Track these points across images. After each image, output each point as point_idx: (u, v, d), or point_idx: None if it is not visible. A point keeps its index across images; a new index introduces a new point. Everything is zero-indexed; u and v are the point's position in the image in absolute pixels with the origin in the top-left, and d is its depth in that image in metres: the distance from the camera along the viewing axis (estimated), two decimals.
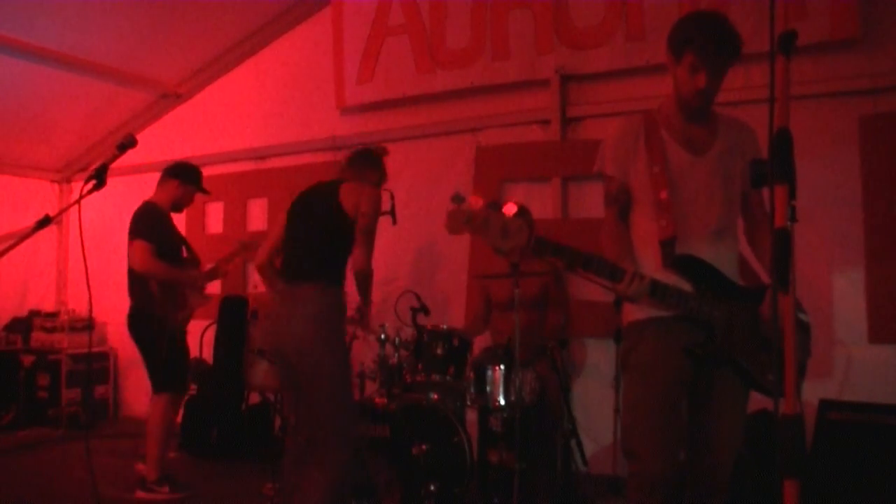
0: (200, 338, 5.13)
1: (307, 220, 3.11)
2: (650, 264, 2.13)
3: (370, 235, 3.08)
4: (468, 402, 3.47)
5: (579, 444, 3.67)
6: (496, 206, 1.89)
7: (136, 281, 3.86)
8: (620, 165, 2.23)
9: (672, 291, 2.05)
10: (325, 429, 2.90)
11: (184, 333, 4.04)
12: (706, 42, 2.03)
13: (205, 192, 4.28)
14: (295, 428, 3.06)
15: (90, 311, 5.29)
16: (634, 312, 2.18)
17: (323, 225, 3.06)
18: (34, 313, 6.17)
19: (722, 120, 2.26)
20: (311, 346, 2.87)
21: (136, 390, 6.22)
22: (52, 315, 6.12)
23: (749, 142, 2.25)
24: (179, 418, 4.97)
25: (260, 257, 3.27)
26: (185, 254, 4.13)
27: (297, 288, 2.94)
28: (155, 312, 3.82)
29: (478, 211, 1.85)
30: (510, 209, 1.90)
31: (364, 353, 4.75)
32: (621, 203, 2.25)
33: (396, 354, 3.64)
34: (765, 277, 2.32)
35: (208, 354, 5.15)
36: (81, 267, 2.69)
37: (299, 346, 2.88)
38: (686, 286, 2.08)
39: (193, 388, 5.12)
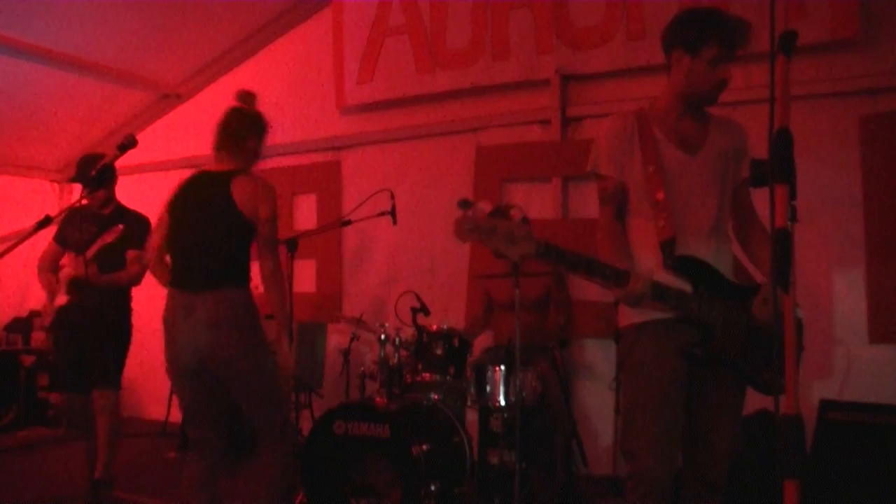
0: None
1: (199, 221, 2.78)
2: (649, 265, 2.12)
3: (274, 242, 2.81)
4: (468, 402, 3.47)
5: (579, 444, 3.67)
6: (502, 212, 1.89)
7: None
8: (616, 165, 2.20)
9: (673, 293, 2.04)
10: (265, 427, 2.84)
11: (56, 335, 3.79)
12: (730, 34, 2.07)
13: (82, 181, 3.74)
14: (206, 438, 2.83)
15: None
16: (630, 316, 2.17)
17: (219, 228, 2.75)
18: (34, 313, 6.17)
19: (712, 118, 2.26)
20: (234, 352, 2.70)
21: (137, 390, 6.23)
22: None
23: (739, 139, 2.26)
24: (179, 418, 4.98)
25: (150, 259, 2.92)
26: (64, 259, 3.84)
27: (202, 296, 2.69)
28: None
29: (484, 219, 1.84)
30: (517, 214, 1.90)
31: (364, 354, 4.76)
32: (617, 203, 2.23)
33: (396, 354, 3.64)
34: (756, 276, 2.32)
35: None
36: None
37: (220, 356, 2.70)
38: (685, 287, 2.08)
39: None
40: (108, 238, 3.55)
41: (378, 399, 3.38)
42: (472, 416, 3.73)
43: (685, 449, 2.19)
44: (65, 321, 3.66)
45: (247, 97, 2.99)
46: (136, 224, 3.83)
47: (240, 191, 2.73)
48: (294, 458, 3.33)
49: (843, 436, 3.20)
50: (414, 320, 3.71)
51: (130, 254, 3.71)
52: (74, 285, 3.64)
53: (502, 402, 3.32)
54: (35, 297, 6.47)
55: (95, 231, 3.66)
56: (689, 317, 2.07)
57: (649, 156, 2.15)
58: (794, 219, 1.26)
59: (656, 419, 2.10)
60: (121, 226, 3.51)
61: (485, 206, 1.87)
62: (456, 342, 3.54)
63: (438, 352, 3.51)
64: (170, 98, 6.08)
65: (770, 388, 2.12)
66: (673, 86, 2.20)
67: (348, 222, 4.24)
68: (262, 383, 2.79)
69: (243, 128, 2.85)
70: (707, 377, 2.14)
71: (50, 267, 3.81)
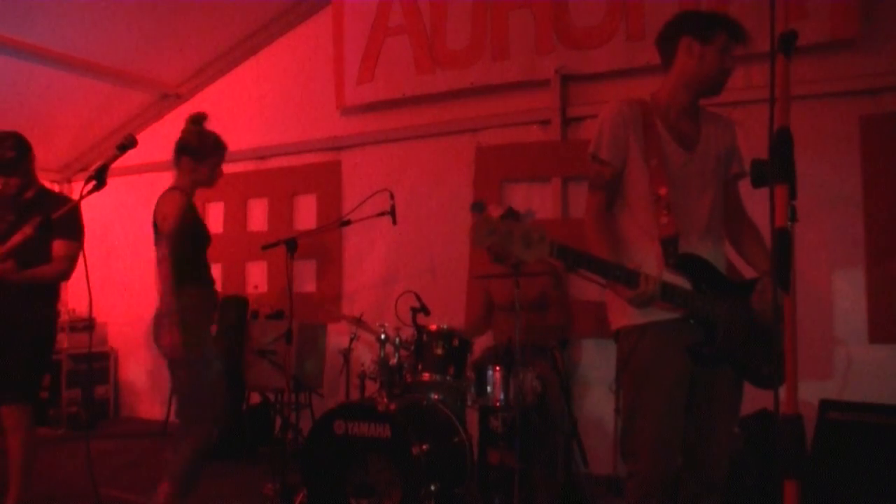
0: None
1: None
2: (649, 262, 2.10)
3: (169, 250, 2.90)
4: (468, 402, 3.47)
5: (579, 444, 3.67)
6: (514, 214, 1.89)
7: None
8: (618, 153, 2.18)
9: (679, 292, 2.04)
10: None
11: None
12: (735, 27, 2.14)
13: None
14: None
15: (90, 311, 5.31)
16: (631, 316, 2.15)
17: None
18: None
19: (704, 115, 2.28)
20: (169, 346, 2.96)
21: (136, 390, 6.23)
22: None
23: (730, 136, 2.27)
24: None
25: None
26: None
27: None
28: None
29: (500, 222, 1.84)
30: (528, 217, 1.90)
31: (364, 354, 4.76)
32: (611, 191, 2.20)
33: (396, 354, 3.64)
34: (747, 272, 2.33)
35: None
36: (81, 267, 2.69)
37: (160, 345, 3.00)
38: (685, 284, 2.08)
39: None
40: (30, 230, 2.87)
41: (378, 399, 3.38)
42: (472, 416, 3.73)
43: (685, 449, 2.19)
44: None
45: (196, 118, 3.13)
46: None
47: (157, 206, 3.01)
48: (294, 457, 3.34)
49: (843, 436, 3.20)
50: (414, 320, 3.71)
51: (58, 244, 3.22)
52: None
53: (503, 402, 3.32)
54: None
55: (13, 220, 3.17)
56: (693, 315, 2.07)
57: (652, 149, 2.14)
58: (794, 219, 1.26)
59: (657, 420, 2.10)
60: (38, 217, 2.80)
61: (493, 211, 1.87)
62: (456, 342, 3.53)
63: (438, 352, 3.51)
64: (170, 98, 6.08)
65: (769, 382, 2.13)
66: (681, 75, 2.19)
67: (348, 222, 4.24)
68: (181, 378, 2.97)
69: (177, 146, 3.07)
70: (708, 376, 2.13)
71: None
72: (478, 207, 1.85)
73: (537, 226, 1.88)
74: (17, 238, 2.94)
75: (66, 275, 3.30)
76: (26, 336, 3.21)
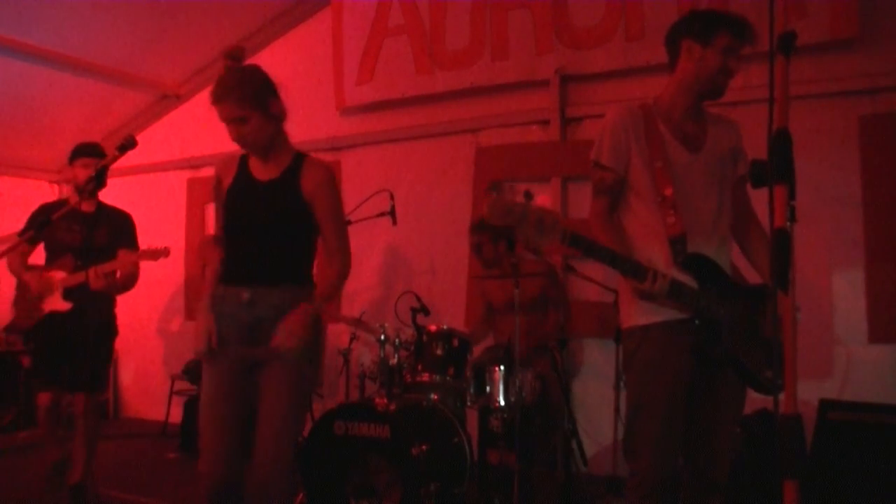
0: None
1: None
2: (657, 261, 2.10)
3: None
4: (468, 403, 3.47)
5: (579, 444, 3.67)
6: (531, 197, 1.88)
7: None
8: (619, 158, 2.19)
9: (686, 290, 2.05)
10: None
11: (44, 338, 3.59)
12: (739, 26, 2.12)
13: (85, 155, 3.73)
14: None
15: None
16: (636, 317, 2.16)
17: None
18: None
19: (709, 117, 2.28)
20: None
21: (137, 391, 6.23)
22: None
23: (735, 137, 2.28)
24: (179, 419, 4.98)
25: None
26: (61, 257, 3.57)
27: None
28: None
29: (516, 204, 1.83)
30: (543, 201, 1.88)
31: (364, 354, 4.76)
32: (613, 196, 2.22)
33: (396, 355, 3.63)
34: (751, 274, 2.33)
35: None
36: None
37: None
38: (692, 284, 2.08)
39: (193, 389, 5.12)
40: (101, 240, 3.43)
41: (378, 399, 3.37)
42: (471, 417, 3.73)
43: (686, 448, 2.19)
44: (55, 326, 3.48)
45: (494, 187, 3.00)
46: (124, 222, 3.63)
47: None
48: (294, 457, 3.32)
49: (843, 436, 3.20)
50: (414, 320, 3.71)
51: (123, 254, 3.45)
52: (71, 291, 3.45)
53: (502, 402, 3.31)
54: None
55: (87, 232, 3.43)
56: (699, 315, 2.07)
57: (656, 151, 2.15)
58: (793, 219, 1.26)
59: (659, 419, 2.10)
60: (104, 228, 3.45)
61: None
62: (455, 342, 3.53)
63: (438, 352, 3.51)
64: (169, 98, 6.08)
65: (770, 387, 2.13)
66: (682, 78, 2.20)
67: (348, 222, 4.23)
68: None
69: None
70: (711, 377, 2.14)
71: (22, 268, 3.59)
72: (495, 187, 1.86)
73: (551, 211, 1.88)
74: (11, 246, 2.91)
75: (134, 281, 3.64)
76: (106, 334, 3.61)
